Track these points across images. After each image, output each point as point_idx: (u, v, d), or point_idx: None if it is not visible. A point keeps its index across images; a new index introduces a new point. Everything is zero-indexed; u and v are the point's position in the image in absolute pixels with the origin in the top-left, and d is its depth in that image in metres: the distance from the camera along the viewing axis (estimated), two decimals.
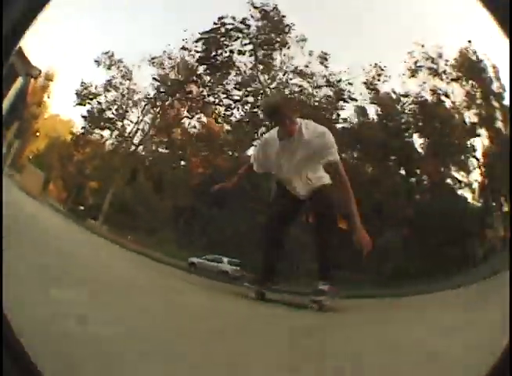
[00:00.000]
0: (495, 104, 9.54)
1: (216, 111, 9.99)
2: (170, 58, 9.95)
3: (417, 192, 10.69)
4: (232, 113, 9.94)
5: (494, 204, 9.51)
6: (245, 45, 9.67)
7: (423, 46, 9.87)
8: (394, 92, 10.35)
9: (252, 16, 9.62)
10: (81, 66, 9.83)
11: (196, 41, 9.59)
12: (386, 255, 9.58)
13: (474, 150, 9.77)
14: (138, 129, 10.31)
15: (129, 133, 10.29)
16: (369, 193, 10.09)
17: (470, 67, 9.79)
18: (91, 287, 2.40)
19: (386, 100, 10.47)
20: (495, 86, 9.53)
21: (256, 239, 9.91)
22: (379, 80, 10.15)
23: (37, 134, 10.55)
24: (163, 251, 8.67)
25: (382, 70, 10.08)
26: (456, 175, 10.00)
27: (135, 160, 10.68)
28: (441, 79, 10.05)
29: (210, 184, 10.54)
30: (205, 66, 9.80)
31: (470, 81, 9.83)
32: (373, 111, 10.58)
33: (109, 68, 9.92)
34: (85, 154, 10.63)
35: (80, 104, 9.98)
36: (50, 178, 10.47)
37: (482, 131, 9.61)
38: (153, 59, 9.85)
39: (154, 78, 9.99)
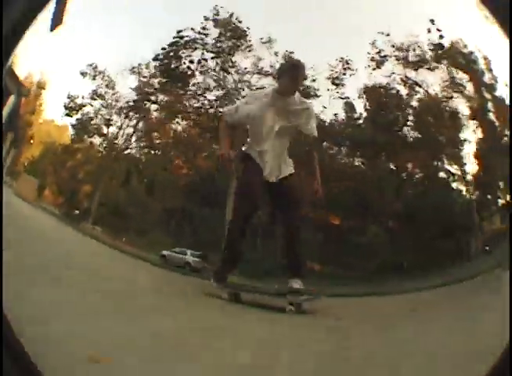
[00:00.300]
0: (487, 96, 9.57)
1: (189, 116, 10.24)
2: (147, 67, 10.33)
3: (408, 186, 10.73)
4: (200, 119, 10.12)
5: (489, 196, 9.52)
6: (203, 53, 9.97)
7: (388, 35, 9.94)
8: (381, 86, 10.40)
9: (205, 28, 9.90)
10: (70, 74, 10.20)
11: (157, 56, 10.00)
12: (373, 250, 9.62)
13: (467, 143, 9.81)
14: (124, 134, 10.72)
15: (115, 138, 10.68)
16: (356, 187, 10.20)
17: (461, 59, 9.84)
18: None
19: (373, 94, 10.54)
20: (486, 78, 9.55)
21: (249, 240, 10.22)
22: (344, 74, 10.18)
23: (31, 141, 10.70)
24: (155, 252, 8.91)
25: (348, 63, 10.13)
26: (448, 167, 10.04)
27: (125, 164, 11.05)
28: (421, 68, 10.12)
29: (198, 185, 10.72)
30: (168, 78, 10.11)
31: (460, 73, 9.88)
32: (361, 105, 10.73)
33: (93, 79, 10.38)
34: (77, 160, 10.89)
35: (68, 115, 10.42)
36: (45, 184, 10.58)
37: (475, 123, 9.64)
38: (133, 68, 10.25)
39: (131, 88, 10.44)
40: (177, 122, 10.58)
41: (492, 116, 9.41)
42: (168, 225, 10.40)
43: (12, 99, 6.71)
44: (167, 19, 9.52)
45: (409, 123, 10.49)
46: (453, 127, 9.92)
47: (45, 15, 1.32)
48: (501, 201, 9.05)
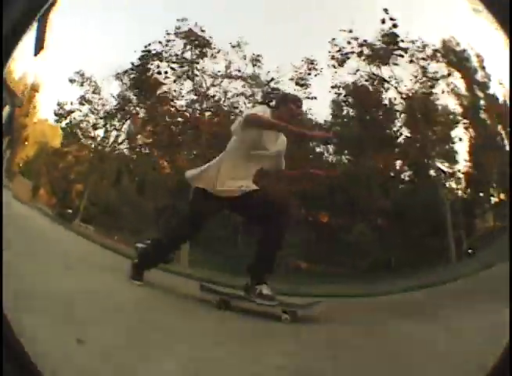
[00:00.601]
0: (480, 94, 9.55)
1: (164, 121, 10.55)
2: (127, 74, 10.71)
3: (397, 183, 10.72)
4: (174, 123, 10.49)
5: (481, 194, 9.51)
6: (169, 65, 10.34)
7: (350, 32, 9.85)
8: (371, 83, 10.35)
9: (169, 41, 10.24)
10: (61, 77, 10.59)
11: (125, 72, 10.48)
12: (362, 249, 9.57)
13: (459, 141, 9.82)
14: (112, 136, 11.18)
15: (106, 138, 11.16)
16: (345, 186, 10.17)
17: (452, 57, 9.82)
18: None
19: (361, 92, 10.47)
20: (479, 75, 9.51)
21: (231, 237, 10.43)
22: (309, 74, 10.22)
23: (26, 143, 10.90)
24: None
25: (312, 63, 10.18)
26: (439, 165, 10.06)
27: (116, 164, 11.49)
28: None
29: (185, 184, 11.02)
30: (139, 89, 10.56)
31: (455, 72, 9.86)
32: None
33: (81, 85, 10.79)
34: (68, 162, 11.20)
35: (58, 121, 10.88)
36: (39, 185, 10.75)
37: (466, 121, 9.59)
38: (116, 74, 10.67)
39: (112, 96, 10.90)
40: (156, 125, 10.79)
41: (483, 114, 9.46)
42: (158, 224, 10.42)
43: (6, 109, 6.82)
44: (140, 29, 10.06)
45: (398, 120, 10.53)
46: (444, 125, 9.96)
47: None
48: (494, 199, 9.09)
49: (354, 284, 8.25)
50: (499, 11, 1.09)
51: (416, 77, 9.84)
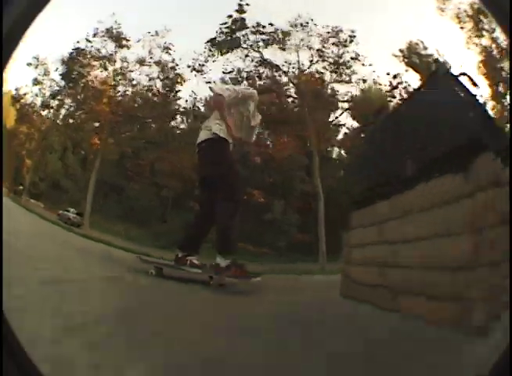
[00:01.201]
0: None
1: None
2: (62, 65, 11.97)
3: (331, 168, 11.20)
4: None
5: None
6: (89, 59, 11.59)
7: (263, 26, 10.76)
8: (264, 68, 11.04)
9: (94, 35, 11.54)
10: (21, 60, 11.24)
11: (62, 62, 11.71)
12: (283, 230, 10.31)
13: None
14: (59, 114, 12.51)
15: (56, 114, 12.50)
16: (271, 167, 10.81)
17: (415, 59, 10.11)
18: None
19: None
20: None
21: (160, 210, 11.55)
22: (207, 61, 11.36)
23: None
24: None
25: (210, 50, 11.24)
26: None
27: (62, 140, 12.87)
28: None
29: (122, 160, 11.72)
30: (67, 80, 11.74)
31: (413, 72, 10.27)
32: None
33: (36, 67, 12.02)
34: (20, 139, 12.16)
35: (13, 104, 11.85)
36: None
37: None
38: (62, 60, 11.84)
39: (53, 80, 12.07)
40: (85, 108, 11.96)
41: None
42: (96, 196, 11.45)
43: None
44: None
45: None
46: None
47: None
48: None
49: (275, 262, 8.82)
50: (499, 11, 1.12)
51: (311, 61, 10.71)
